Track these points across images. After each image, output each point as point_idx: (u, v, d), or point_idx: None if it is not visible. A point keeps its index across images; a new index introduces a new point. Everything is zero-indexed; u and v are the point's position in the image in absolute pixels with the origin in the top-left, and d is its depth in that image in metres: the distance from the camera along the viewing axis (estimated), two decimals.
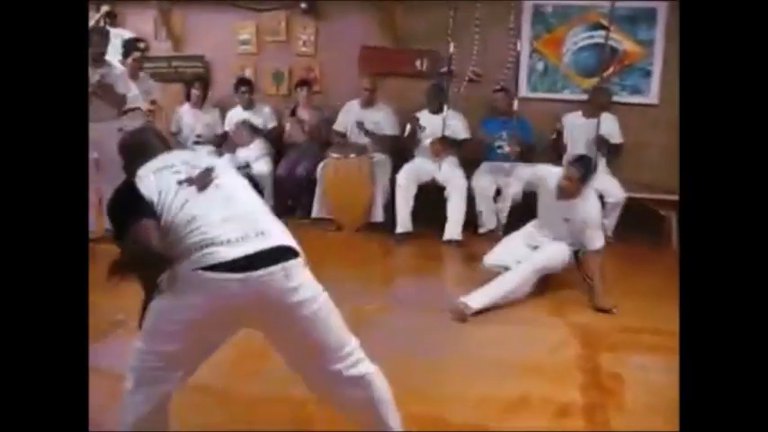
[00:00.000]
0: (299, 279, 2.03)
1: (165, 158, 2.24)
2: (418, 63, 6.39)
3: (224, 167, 2.29)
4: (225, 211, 2.04)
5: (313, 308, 2.06)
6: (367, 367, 2.22)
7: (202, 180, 2.11)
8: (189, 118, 6.56)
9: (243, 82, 6.55)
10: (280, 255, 2.00)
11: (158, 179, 2.09)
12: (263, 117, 6.56)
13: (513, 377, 3.00)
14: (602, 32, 6.09)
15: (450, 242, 5.48)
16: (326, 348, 2.14)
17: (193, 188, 2.08)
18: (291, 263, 2.01)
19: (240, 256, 1.93)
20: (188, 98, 6.57)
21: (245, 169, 6.44)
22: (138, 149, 2.32)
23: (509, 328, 3.65)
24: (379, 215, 5.87)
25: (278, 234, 2.07)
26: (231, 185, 2.17)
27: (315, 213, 5.96)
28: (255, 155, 6.46)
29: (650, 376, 3.13)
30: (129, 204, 2.07)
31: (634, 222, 5.80)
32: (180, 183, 2.08)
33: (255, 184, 2.38)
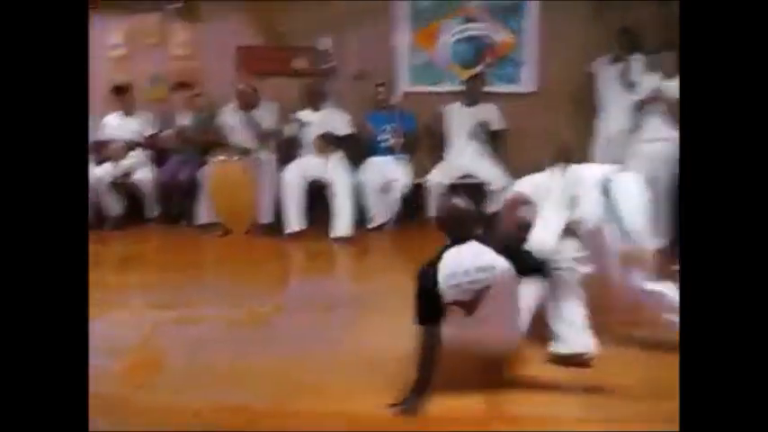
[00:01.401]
0: None
1: None
2: (297, 61, 6.33)
3: None
4: None
5: None
6: None
7: None
8: None
9: (120, 90, 6.29)
10: None
11: None
12: (142, 123, 6.33)
13: (410, 365, 3.01)
14: (477, 25, 6.28)
15: (339, 239, 5.47)
16: None
17: None
18: None
19: None
20: None
21: (124, 178, 6.21)
22: None
23: (402, 318, 3.67)
24: (267, 216, 5.78)
25: None
26: None
27: (201, 219, 5.81)
28: (135, 163, 6.23)
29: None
30: None
31: None
32: None
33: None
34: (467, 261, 2.72)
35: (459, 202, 2.95)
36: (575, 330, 3.08)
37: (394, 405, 2.68)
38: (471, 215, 2.93)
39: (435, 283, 2.71)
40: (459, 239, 2.80)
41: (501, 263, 2.71)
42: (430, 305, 2.75)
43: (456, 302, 2.72)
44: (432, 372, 2.76)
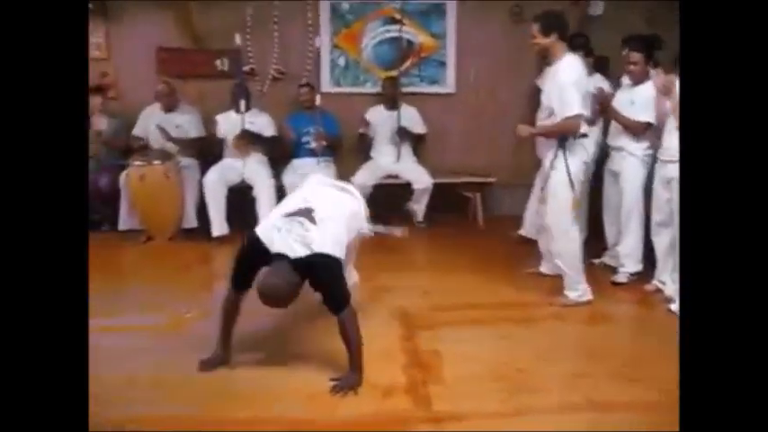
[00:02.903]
0: None
1: None
2: (218, 63, 6.27)
3: None
4: None
5: None
6: None
7: None
8: None
9: None
10: None
11: None
12: None
13: (339, 366, 3.04)
14: (398, 27, 6.35)
15: None
16: None
17: None
18: None
19: None
20: None
21: None
22: None
23: (329, 321, 3.70)
24: (191, 221, 5.71)
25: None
26: None
27: (122, 225, 5.67)
28: None
29: (465, 348, 3.31)
30: None
31: (442, 206, 6.10)
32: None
33: None
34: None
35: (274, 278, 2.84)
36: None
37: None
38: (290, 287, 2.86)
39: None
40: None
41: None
42: (247, 276, 3.03)
43: None
44: (229, 329, 3.17)
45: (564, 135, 3.87)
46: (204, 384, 2.95)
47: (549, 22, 3.85)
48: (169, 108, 5.85)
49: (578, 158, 3.94)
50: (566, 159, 3.88)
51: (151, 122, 5.85)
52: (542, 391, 2.90)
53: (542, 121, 4.10)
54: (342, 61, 6.50)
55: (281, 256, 2.82)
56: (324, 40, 6.36)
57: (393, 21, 6.42)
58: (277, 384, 2.94)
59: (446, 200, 6.19)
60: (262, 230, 2.95)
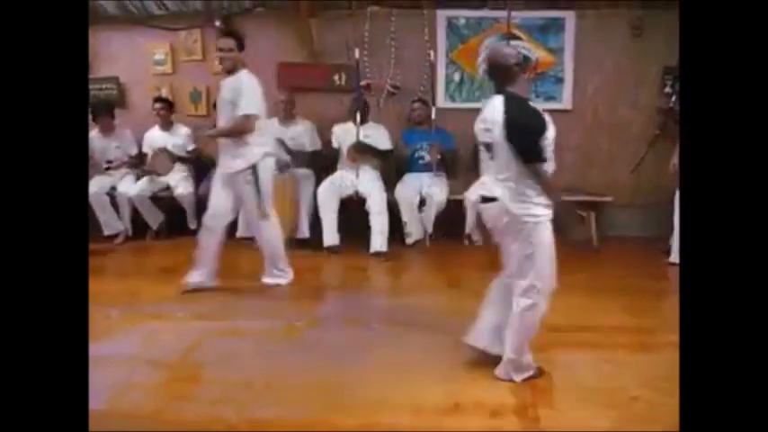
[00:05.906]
0: None
1: None
2: (336, 77, 6.42)
3: None
4: None
5: None
6: None
7: None
8: (99, 143, 6.40)
9: (159, 100, 6.43)
10: None
11: None
12: (181, 138, 6.45)
13: (445, 382, 3.03)
14: (515, 42, 6.28)
15: (377, 254, 5.50)
16: None
17: None
18: None
19: None
20: (96, 123, 6.39)
21: (165, 192, 6.33)
22: None
23: (439, 335, 3.69)
24: (305, 231, 5.85)
25: None
26: None
27: (240, 233, 5.88)
28: (176, 177, 6.35)
29: (577, 373, 3.22)
30: None
31: (555, 224, 5.96)
32: None
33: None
34: None
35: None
36: None
37: None
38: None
39: None
40: None
41: None
42: None
43: None
44: None
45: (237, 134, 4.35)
46: (314, 390, 3.00)
47: (242, 40, 4.54)
48: (287, 119, 6.05)
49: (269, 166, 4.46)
50: (255, 167, 4.36)
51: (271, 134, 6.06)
52: (656, 423, 2.77)
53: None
54: (457, 77, 6.51)
55: None
56: (439, 56, 6.39)
57: (508, 36, 6.37)
58: (385, 395, 2.95)
59: (559, 218, 6.05)
60: None
